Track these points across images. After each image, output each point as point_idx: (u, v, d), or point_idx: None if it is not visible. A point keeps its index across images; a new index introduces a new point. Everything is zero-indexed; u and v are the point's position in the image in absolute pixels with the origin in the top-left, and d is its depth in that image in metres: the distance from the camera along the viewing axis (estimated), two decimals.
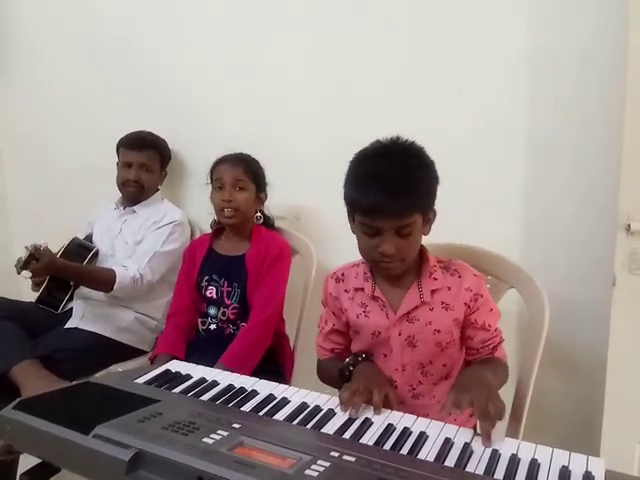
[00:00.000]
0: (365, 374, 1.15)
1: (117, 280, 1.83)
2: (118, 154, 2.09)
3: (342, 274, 1.30)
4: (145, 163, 2.04)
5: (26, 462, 0.97)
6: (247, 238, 1.76)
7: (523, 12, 1.60)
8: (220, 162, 1.76)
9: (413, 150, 1.15)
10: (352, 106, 1.87)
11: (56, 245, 1.96)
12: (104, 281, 1.84)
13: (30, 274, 1.66)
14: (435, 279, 1.20)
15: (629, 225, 1.35)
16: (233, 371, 1.43)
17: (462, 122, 1.71)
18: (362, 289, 1.24)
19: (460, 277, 1.21)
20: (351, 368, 1.20)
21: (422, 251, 1.23)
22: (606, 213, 1.48)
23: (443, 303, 1.20)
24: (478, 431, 0.93)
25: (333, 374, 1.25)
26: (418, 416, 1.01)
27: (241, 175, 1.72)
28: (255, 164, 1.78)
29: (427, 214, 1.16)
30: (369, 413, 1.01)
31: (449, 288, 1.20)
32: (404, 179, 1.09)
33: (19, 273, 1.70)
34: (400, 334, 1.21)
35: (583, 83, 1.57)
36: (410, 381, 1.23)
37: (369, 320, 1.23)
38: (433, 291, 1.20)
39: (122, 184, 2.05)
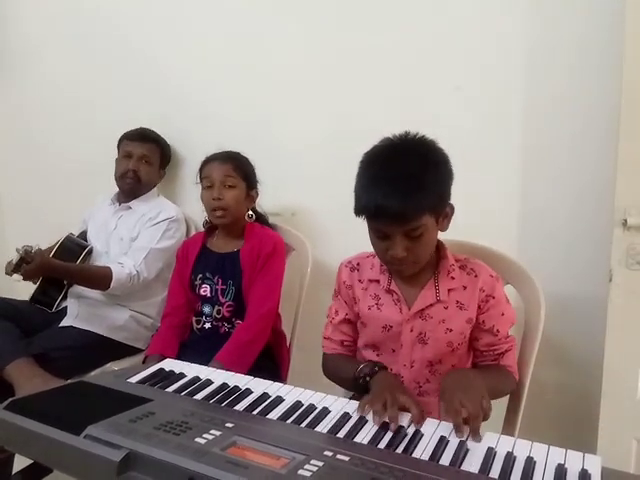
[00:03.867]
0: (387, 384, 1.10)
1: (113, 278, 1.82)
2: (119, 149, 2.08)
3: (357, 264, 1.28)
4: (146, 154, 2.04)
5: (22, 460, 0.96)
6: (240, 235, 1.74)
7: (520, 7, 1.59)
8: (208, 161, 1.73)
9: (422, 147, 1.12)
10: (349, 103, 1.86)
11: (50, 243, 1.95)
12: (100, 280, 1.83)
13: (21, 277, 1.64)
14: (453, 278, 1.19)
15: (625, 220, 1.34)
16: (229, 369, 1.43)
17: (459, 117, 1.69)
18: (377, 281, 1.23)
19: (476, 277, 1.19)
20: (368, 379, 1.14)
21: (439, 248, 1.22)
22: (603, 208, 1.47)
23: (458, 302, 1.18)
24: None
25: (343, 375, 1.23)
26: None
27: (230, 172, 1.69)
28: (244, 161, 1.75)
29: (440, 212, 1.12)
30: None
31: (465, 287, 1.19)
32: (410, 181, 1.05)
33: (10, 275, 1.68)
34: (412, 330, 1.19)
35: (579, 79, 1.56)
36: (417, 378, 1.22)
37: (381, 313, 1.21)
38: (449, 290, 1.18)
39: (120, 176, 2.04)
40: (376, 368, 1.17)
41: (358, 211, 1.11)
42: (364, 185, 1.11)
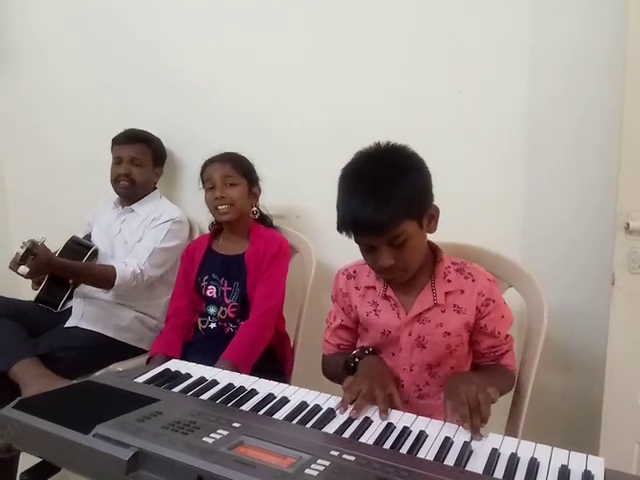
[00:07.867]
0: (370, 371, 1.14)
1: (117, 276, 1.83)
2: (112, 154, 2.09)
3: (354, 271, 1.29)
4: (135, 157, 2.04)
5: (27, 460, 0.97)
6: (246, 237, 1.76)
7: (522, 9, 1.60)
8: (208, 163, 1.77)
9: (391, 156, 1.12)
10: (351, 105, 1.87)
11: (54, 242, 1.96)
12: (104, 278, 1.84)
13: (27, 270, 1.63)
14: (449, 281, 1.19)
15: (628, 224, 1.35)
16: (236, 366, 1.44)
17: (461, 120, 1.71)
18: (373, 287, 1.24)
19: (474, 281, 1.20)
20: (357, 360, 1.20)
21: (435, 251, 1.23)
22: (605, 212, 1.48)
23: (455, 306, 1.19)
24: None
25: (337, 368, 1.25)
26: (420, 416, 1.00)
27: (230, 171, 1.73)
28: (243, 159, 1.79)
29: (421, 216, 1.12)
30: (369, 413, 1.00)
31: (462, 291, 1.19)
32: (381, 191, 1.06)
33: (15, 269, 1.64)
34: (410, 334, 1.20)
35: (582, 81, 1.57)
36: (417, 381, 1.23)
37: (379, 319, 1.22)
38: (446, 293, 1.19)
39: (114, 180, 2.05)
40: (366, 352, 1.20)
41: (338, 226, 1.13)
42: (340, 201, 1.13)
